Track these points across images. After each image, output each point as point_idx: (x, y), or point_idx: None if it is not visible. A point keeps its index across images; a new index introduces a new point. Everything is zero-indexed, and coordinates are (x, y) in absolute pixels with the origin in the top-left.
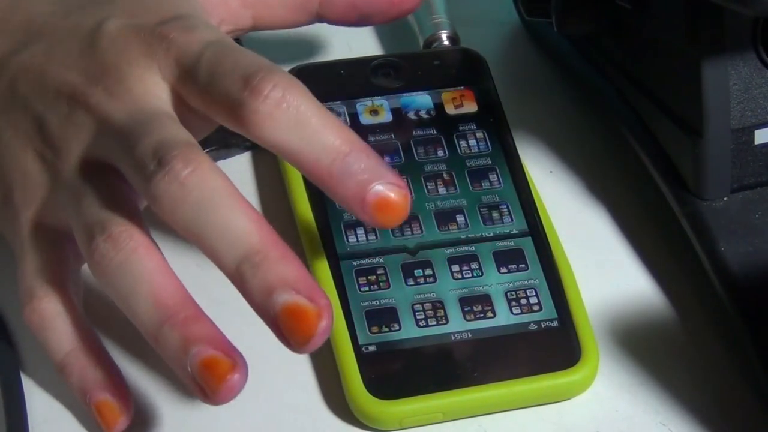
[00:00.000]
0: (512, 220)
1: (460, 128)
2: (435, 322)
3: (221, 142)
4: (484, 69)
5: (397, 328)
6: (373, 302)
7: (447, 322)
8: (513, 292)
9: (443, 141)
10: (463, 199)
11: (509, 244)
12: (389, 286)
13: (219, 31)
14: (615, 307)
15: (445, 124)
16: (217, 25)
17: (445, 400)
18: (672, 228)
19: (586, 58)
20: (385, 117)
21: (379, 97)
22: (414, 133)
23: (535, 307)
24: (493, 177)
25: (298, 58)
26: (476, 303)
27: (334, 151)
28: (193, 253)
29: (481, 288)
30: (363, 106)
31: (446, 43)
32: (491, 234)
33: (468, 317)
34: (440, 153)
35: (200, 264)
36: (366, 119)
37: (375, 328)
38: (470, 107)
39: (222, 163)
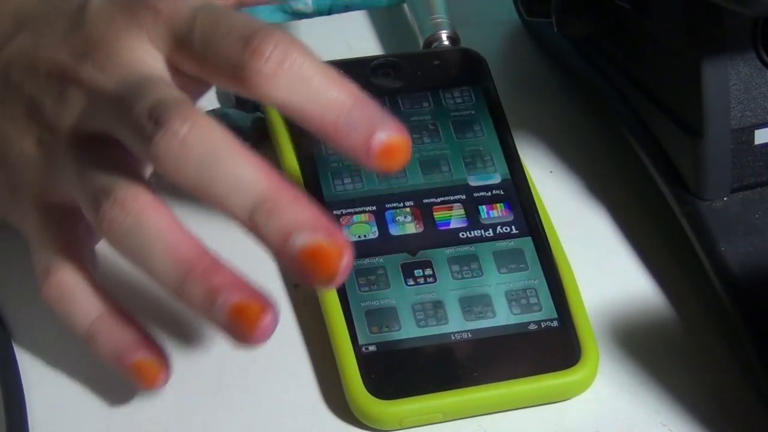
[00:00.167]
0: (512, 218)
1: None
2: (435, 322)
3: None
4: (484, 69)
5: (397, 328)
6: (373, 302)
7: (447, 322)
8: (513, 292)
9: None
10: (462, 195)
11: (509, 244)
12: (389, 286)
13: None
14: (615, 307)
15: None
16: None
17: (445, 400)
18: (672, 228)
19: (586, 58)
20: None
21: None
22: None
23: (535, 307)
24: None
25: None
26: (476, 303)
27: (338, 106)
28: None
29: (481, 288)
30: None
31: (446, 43)
32: (491, 234)
33: (468, 317)
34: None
35: None
36: None
37: (375, 328)
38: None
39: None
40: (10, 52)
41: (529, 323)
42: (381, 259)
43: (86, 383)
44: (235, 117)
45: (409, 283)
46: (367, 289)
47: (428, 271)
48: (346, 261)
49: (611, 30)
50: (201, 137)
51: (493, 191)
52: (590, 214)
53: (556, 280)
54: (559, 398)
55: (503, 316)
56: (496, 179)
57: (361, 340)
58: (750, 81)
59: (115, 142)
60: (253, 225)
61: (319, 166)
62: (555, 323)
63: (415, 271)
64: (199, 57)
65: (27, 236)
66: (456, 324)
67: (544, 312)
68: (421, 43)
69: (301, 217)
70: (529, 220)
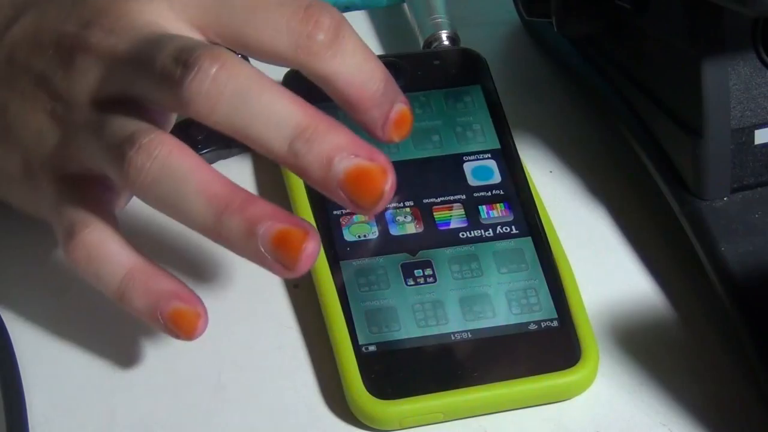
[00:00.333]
0: (512, 218)
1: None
2: (435, 322)
3: (221, 142)
4: (484, 69)
5: (397, 328)
6: (373, 302)
7: (447, 322)
8: (513, 292)
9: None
10: (462, 195)
11: (509, 244)
12: (389, 286)
13: None
14: (615, 307)
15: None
16: None
17: (445, 400)
18: (672, 228)
19: (586, 58)
20: None
21: None
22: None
23: (535, 307)
24: (493, 177)
25: None
26: (476, 303)
27: (379, 78)
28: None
29: (481, 288)
30: None
31: (446, 43)
32: (491, 234)
33: (468, 317)
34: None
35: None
36: None
37: (375, 328)
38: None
39: (222, 163)
40: (14, 35)
41: (529, 323)
42: (381, 259)
43: (86, 383)
44: None
45: (409, 283)
46: (367, 289)
47: (428, 271)
48: (390, 182)
49: (611, 30)
50: (233, 74)
51: (493, 191)
52: (590, 214)
53: (556, 280)
54: (559, 398)
55: (503, 316)
56: (496, 179)
57: (361, 340)
58: (750, 81)
59: (131, 103)
60: (293, 156)
61: None
62: (555, 323)
63: (415, 271)
64: (239, 29)
65: (46, 215)
66: (456, 324)
67: (544, 312)
68: (421, 43)
69: (342, 142)
70: (529, 220)
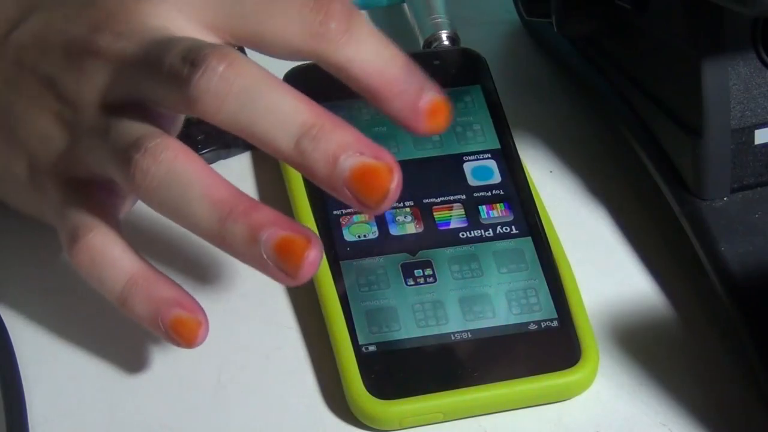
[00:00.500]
0: (512, 218)
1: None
2: (435, 322)
3: (221, 142)
4: (484, 69)
5: (397, 328)
6: (373, 302)
7: (447, 322)
8: (513, 292)
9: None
10: (462, 195)
11: (509, 244)
12: (389, 286)
13: None
14: (615, 307)
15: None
16: None
17: (445, 400)
18: (672, 228)
19: (586, 58)
20: None
21: None
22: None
23: (535, 307)
24: (493, 177)
25: None
26: (476, 303)
27: (397, 64)
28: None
29: (481, 288)
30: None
31: (446, 43)
32: (491, 234)
33: (468, 317)
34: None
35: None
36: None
37: (375, 328)
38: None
39: (222, 163)
40: (21, 37)
41: (529, 323)
42: (381, 259)
43: (86, 383)
44: None
45: (409, 283)
46: (367, 289)
47: (428, 271)
48: (396, 180)
49: (611, 30)
50: (240, 73)
51: (493, 191)
52: (590, 214)
53: (556, 280)
54: (559, 398)
55: (503, 316)
56: (496, 179)
57: (361, 340)
58: (750, 81)
59: (139, 107)
60: (299, 154)
61: None
62: (555, 323)
63: (415, 271)
64: (252, 26)
65: (49, 219)
66: (456, 324)
67: (544, 312)
68: (421, 43)
69: (348, 140)
70: (529, 220)
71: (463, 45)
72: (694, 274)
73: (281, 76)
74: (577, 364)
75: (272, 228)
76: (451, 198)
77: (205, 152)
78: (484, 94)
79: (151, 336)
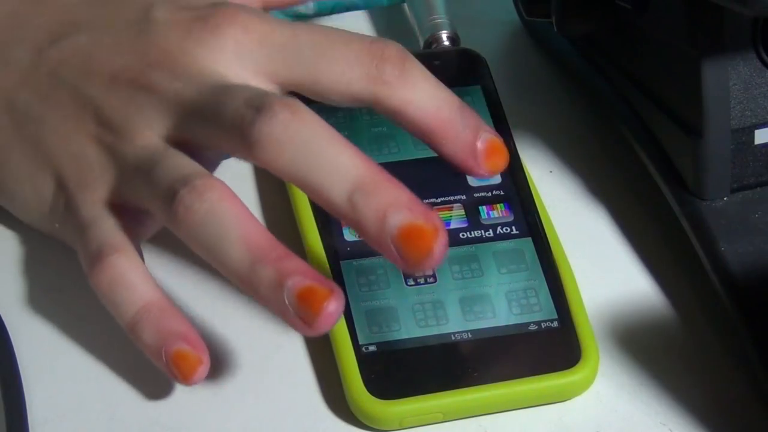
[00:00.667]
0: (512, 218)
1: None
2: (435, 322)
3: None
4: (484, 69)
5: (397, 328)
6: (373, 302)
7: (447, 322)
8: (513, 293)
9: None
10: (463, 195)
11: (509, 244)
12: (389, 286)
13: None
14: (615, 307)
15: None
16: None
17: (445, 400)
18: (672, 228)
19: (586, 58)
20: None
21: None
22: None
23: (535, 308)
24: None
25: None
26: (476, 303)
27: (450, 105)
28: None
29: (481, 288)
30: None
31: (446, 43)
32: (491, 234)
33: (468, 317)
34: None
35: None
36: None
37: (375, 328)
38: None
39: (224, 163)
40: (63, 52)
41: (529, 323)
42: (381, 259)
43: (86, 383)
44: None
45: (409, 283)
46: (367, 289)
47: (428, 272)
48: (441, 241)
49: (611, 30)
50: (303, 121)
51: (493, 191)
52: (590, 214)
53: (556, 280)
54: (559, 398)
55: (503, 316)
56: (496, 179)
57: (361, 340)
58: (750, 81)
59: (187, 145)
60: (351, 207)
61: None
62: (555, 323)
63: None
64: (308, 73)
65: (68, 235)
66: (456, 324)
67: (544, 312)
68: (421, 43)
69: (399, 198)
70: (529, 220)
71: (463, 45)
72: (694, 274)
73: None
74: (577, 364)
75: (299, 276)
76: (451, 198)
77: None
78: (484, 94)
79: None
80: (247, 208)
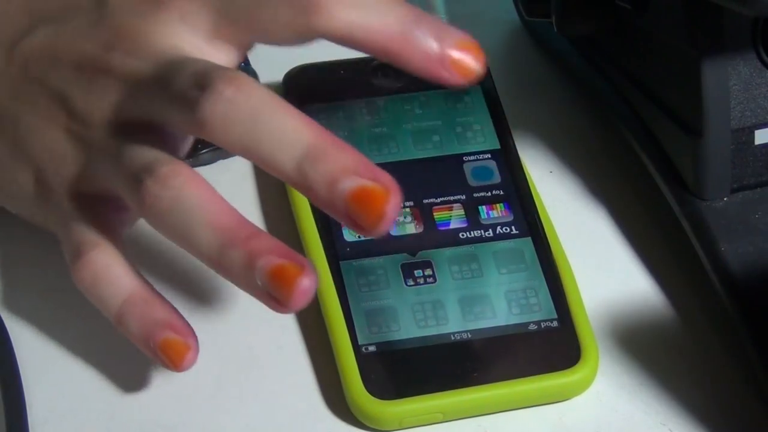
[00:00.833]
0: (512, 218)
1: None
2: (435, 322)
3: None
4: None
5: (397, 328)
6: (373, 302)
7: (447, 322)
8: (513, 293)
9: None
10: (462, 195)
11: (509, 244)
12: (389, 286)
13: None
14: (615, 307)
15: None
16: None
17: (445, 400)
18: (672, 228)
19: (586, 58)
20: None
21: (379, 98)
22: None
23: (535, 307)
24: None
25: (298, 58)
26: (476, 303)
27: (402, 17)
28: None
29: (481, 288)
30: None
31: None
32: (491, 234)
33: (468, 317)
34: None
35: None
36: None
37: (375, 329)
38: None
39: (222, 163)
40: (29, 46)
41: (529, 323)
42: (381, 259)
43: (86, 383)
44: None
45: (409, 284)
46: (367, 289)
47: (428, 272)
48: (393, 203)
49: (611, 30)
50: (246, 96)
51: (493, 191)
52: (590, 214)
53: (556, 280)
54: (559, 398)
55: (503, 316)
56: (496, 179)
57: (361, 340)
58: (750, 81)
59: (150, 127)
60: (301, 176)
61: None
62: (555, 323)
63: (415, 272)
64: (250, 17)
65: (54, 229)
66: (456, 324)
67: (544, 312)
68: None
69: (348, 163)
70: (529, 220)
71: None
72: (694, 274)
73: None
74: (577, 364)
75: (269, 256)
76: (451, 198)
77: (205, 152)
78: (484, 94)
79: None
80: (213, 190)
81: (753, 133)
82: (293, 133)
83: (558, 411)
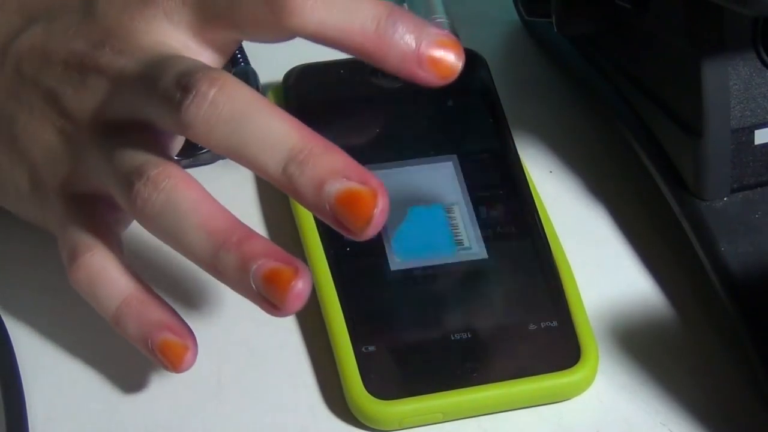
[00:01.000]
0: (512, 218)
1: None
2: (435, 323)
3: None
4: (484, 69)
5: (397, 328)
6: (373, 302)
7: (447, 322)
8: (513, 292)
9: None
10: (462, 195)
11: (509, 244)
12: (389, 287)
13: None
14: (615, 307)
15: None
16: None
17: (445, 400)
18: (672, 228)
19: (586, 58)
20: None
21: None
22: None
23: (535, 308)
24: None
25: (298, 58)
26: (476, 303)
27: (376, 16)
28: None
29: (481, 288)
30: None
31: None
32: (491, 234)
33: (468, 317)
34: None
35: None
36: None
37: (375, 328)
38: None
39: (220, 163)
40: (21, 45)
41: (528, 323)
42: (381, 260)
43: (86, 383)
44: None
45: (408, 284)
46: (367, 289)
47: (428, 272)
48: (381, 206)
49: (611, 30)
50: (230, 97)
51: (493, 191)
52: (590, 214)
53: (556, 280)
54: (559, 398)
55: (503, 316)
56: (496, 179)
57: (361, 340)
58: (750, 81)
59: (140, 125)
60: (287, 179)
61: None
62: (554, 323)
63: (415, 272)
64: (227, 14)
65: (51, 229)
66: (456, 324)
67: (543, 312)
68: None
69: (334, 165)
70: (529, 220)
71: (463, 45)
72: (694, 274)
73: (281, 76)
74: (577, 364)
75: (263, 259)
76: (451, 198)
77: (205, 152)
78: (484, 93)
79: None
80: (205, 192)
81: (753, 133)
82: (278, 135)
83: (558, 411)
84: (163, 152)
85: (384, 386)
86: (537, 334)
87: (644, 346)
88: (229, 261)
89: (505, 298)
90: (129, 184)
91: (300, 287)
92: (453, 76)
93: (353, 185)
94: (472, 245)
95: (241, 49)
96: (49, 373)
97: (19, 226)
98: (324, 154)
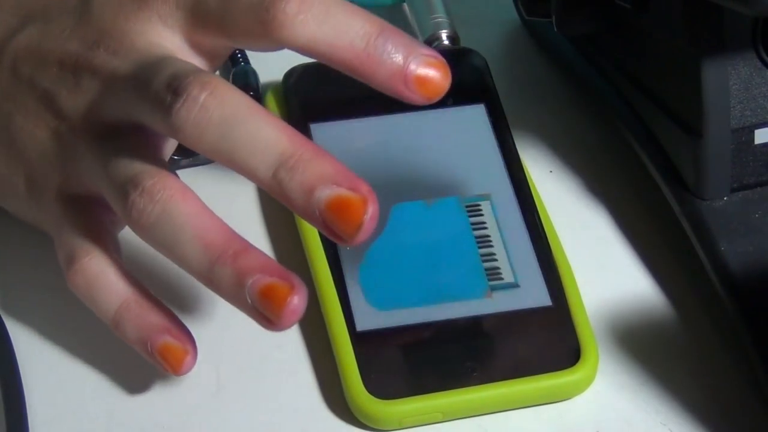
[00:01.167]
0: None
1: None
2: (435, 322)
3: None
4: (484, 69)
5: (398, 328)
6: (373, 302)
7: (446, 322)
8: (513, 292)
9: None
10: (461, 195)
11: (509, 244)
12: (389, 287)
13: None
14: (615, 307)
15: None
16: None
17: (445, 400)
18: (672, 228)
19: (586, 58)
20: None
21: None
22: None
23: (535, 307)
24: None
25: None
26: (476, 303)
27: (366, 34)
28: None
29: (481, 288)
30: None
31: (446, 43)
32: (491, 234)
33: (467, 317)
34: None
35: None
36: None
37: (375, 328)
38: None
39: (223, 172)
40: (17, 46)
41: (528, 323)
42: (381, 259)
43: (86, 383)
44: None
45: (408, 284)
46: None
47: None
48: (370, 212)
49: (611, 30)
50: (220, 101)
51: (493, 191)
52: (590, 214)
53: (556, 280)
54: (559, 398)
55: (503, 316)
56: (496, 179)
57: (361, 340)
58: (750, 81)
59: (135, 128)
60: (277, 184)
61: None
62: (554, 323)
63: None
64: (218, 22)
65: (48, 230)
66: (456, 324)
67: (543, 312)
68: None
69: (325, 171)
70: (529, 220)
71: (463, 45)
72: (694, 274)
73: (281, 75)
74: (577, 364)
75: (258, 274)
76: (451, 198)
77: None
78: (484, 94)
79: None
80: (201, 203)
81: (753, 132)
82: (269, 140)
83: (558, 411)
84: (158, 157)
85: (384, 386)
86: (537, 333)
87: (644, 346)
88: (224, 275)
89: (505, 297)
90: (124, 194)
91: (295, 303)
92: (438, 96)
93: (343, 192)
94: (472, 245)
95: (242, 49)
96: (49, 373)
97: (19, 227)
98: (314, 159)
